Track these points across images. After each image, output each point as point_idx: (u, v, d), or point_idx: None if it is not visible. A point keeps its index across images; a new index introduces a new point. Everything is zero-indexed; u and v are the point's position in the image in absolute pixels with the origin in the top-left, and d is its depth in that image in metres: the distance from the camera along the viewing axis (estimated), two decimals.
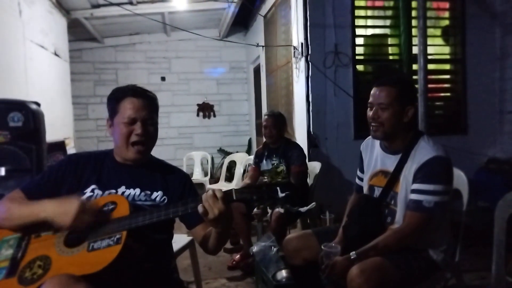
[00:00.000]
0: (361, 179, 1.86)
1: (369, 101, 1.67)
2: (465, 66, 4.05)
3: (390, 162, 1.67)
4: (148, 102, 1.38)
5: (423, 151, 1.58)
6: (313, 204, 2.80)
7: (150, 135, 1.38)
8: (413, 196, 1.55)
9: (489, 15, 4.03)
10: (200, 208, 1.18)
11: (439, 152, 1.57)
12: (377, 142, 1.78)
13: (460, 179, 1.83)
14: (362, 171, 1.86)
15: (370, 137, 1.83)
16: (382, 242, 1.54)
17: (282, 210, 2.62)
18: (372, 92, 1.67)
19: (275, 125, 3.08)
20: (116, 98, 1.38)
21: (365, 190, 1.80)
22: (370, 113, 1.66)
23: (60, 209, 1.21)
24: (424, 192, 1.53)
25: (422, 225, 1.53)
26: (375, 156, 1.77)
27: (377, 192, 1.71)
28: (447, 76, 4.34)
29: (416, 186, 1.55)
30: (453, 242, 1.72)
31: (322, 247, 1.59)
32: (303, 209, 2.80)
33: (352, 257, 1.51)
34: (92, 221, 1.22)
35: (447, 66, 4.29)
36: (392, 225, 1.63)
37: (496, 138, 4.08)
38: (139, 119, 1.34)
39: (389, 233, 1.57)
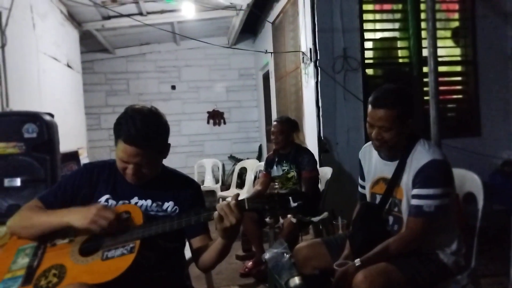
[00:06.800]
0: (363, 187, 1.86)
1: (368, 120, 1.63)
2: (477, 67, 4.00)
3: (389, 169, 1.67)
4: (140, 150, 1.28)
5: (420, 156, 1.58)
6: (325, 214, 2.77)
7: (143, 174, 1.34)
8: (414, 202, 1.55)
9: (499, 16, 3.98)
10: (216, 215, 1.19)
11: (435, 155, 1.56)
12: (375, 149, 1.77)
13: (474, 182, 1.80)
14: (363, 179, 1.87)
15: (367, 144, 1.85)
16: (386, 249, 1.54)
17: (294, 220, 2.61)
18: (370, 112, 1.62)
19: (282, 131, 3.08)
20: (114, 131, 1.32)
21: (368, 198, 1.80)
22: (371, 131, 1.63)
23: (79, 213, 1.26)
24: (423, 197, 1.53)
25: (424, 230, 1.53)
26: (374, 163, 1.78)
27: (379, 199, 1.71)
28: (459, 78, 4.29)
29: (415, 191, 1.56)
30: (469, 246, 1.69)
31: (335, 266, 1.58)
32: (315, 219, 2.78)
33: (357, 264, 1.51)
34: (109, 226, 1.23)
35: (458, 68, 4.25)
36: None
37: (511, 139, 4.00)
38: (131, 164, 1.31)
39: (393, 240, 1.56)
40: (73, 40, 4.98)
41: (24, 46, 3.45)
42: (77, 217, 1.25)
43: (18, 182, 2.30)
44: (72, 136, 4.43)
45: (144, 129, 1.27)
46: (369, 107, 1.64)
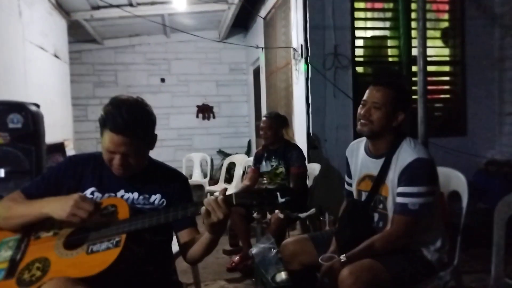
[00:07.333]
0: (350, 184, 1.88)
1: (364, 98, 1.69)
2: (465, 67, 4.06)
3: (375, 166, 1.69)
4: (128, 139, 1.27)
5: (405, 154, 1.60)
6: (312, 210, 2.80)
7: (130, 165, 1.33)
8: (399, 200, 1.57)
9: (488, 17, 4.03)
10: (203, 210, 1.18)
11: (421, 153, 1.59)
12: (362, 147, 1.80)
13: (459, 180, 1.83)
14: (350, 176, 1.88)
15: (354, 142, 1.88)
16: (371, 245, 1.56)
17: (281, 216, 2.62)
18: (368, 90, 1.70)
19: (270, 127, 3.09)
20: (100, 122, 1.30)
21: (354, 195, 1.82)
22: (361, 110, 1.68)
23: (57, 204, 1.23)
24: (408, 194, 1.55)
25: (409, 228, 1.55)
26: (360, 161, 1.79)
27: (365, 196, 1.73)
28: (447, 78, 4.35)
29: (400, 189, 1.58)
30: (452, 244, 1.72)
31: (320, 260, 1.59)
32: (302, 215, 2.80)
33: (342, 260, 1.52)
34: (89, 217, 1.21)
35: (446, 68, 4.30)
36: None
37: (495, 139, 4.08)
38: (118, 153, 1.30)
39: (378, 237, 1.58)
40: (60, 30, 4.88)
41: (10, 34, 3.37)
42: (55, 208, 1.22)
43: (2, 173, 2.26)
44: (58, 127, 4.36)
45: (130, 117, 1.27)
46: (368, 88, 1.69)
